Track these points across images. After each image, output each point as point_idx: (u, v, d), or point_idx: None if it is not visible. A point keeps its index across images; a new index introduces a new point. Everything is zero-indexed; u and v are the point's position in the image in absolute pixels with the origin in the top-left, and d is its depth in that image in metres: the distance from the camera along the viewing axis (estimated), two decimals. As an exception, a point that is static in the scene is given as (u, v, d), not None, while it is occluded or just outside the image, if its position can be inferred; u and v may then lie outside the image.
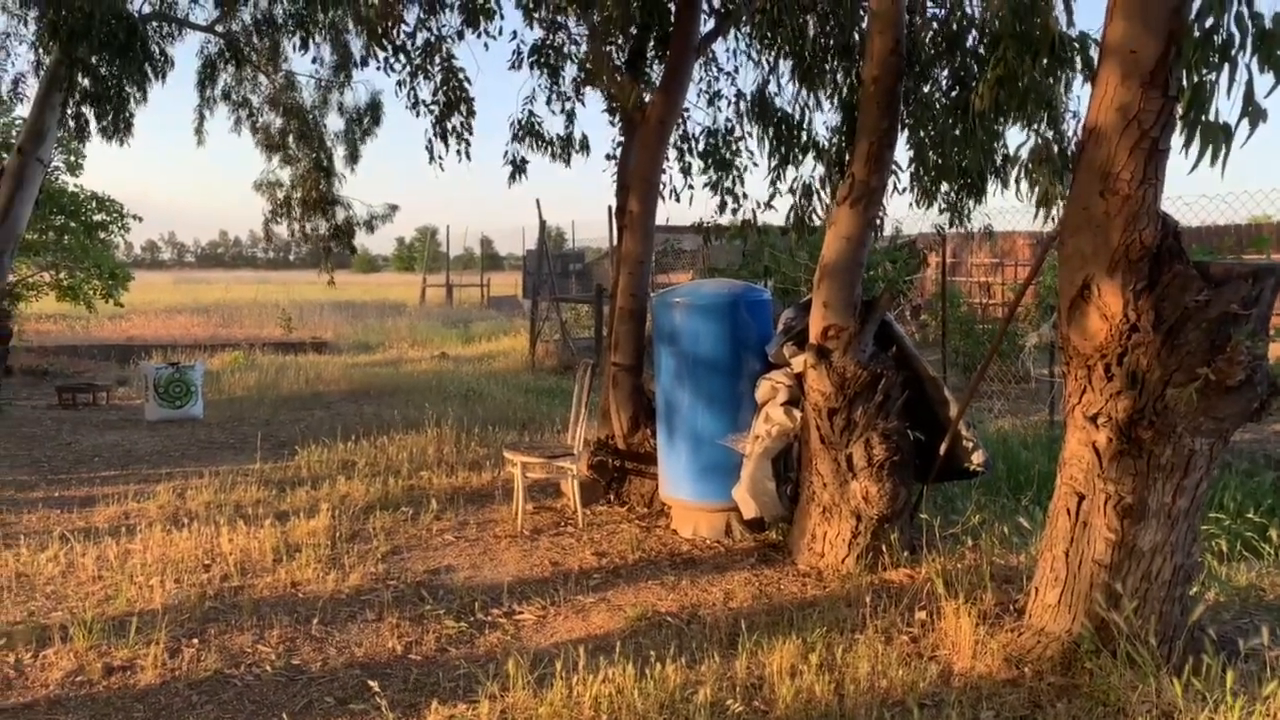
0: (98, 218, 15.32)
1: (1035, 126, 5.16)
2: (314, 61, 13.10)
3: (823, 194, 6.74)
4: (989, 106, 4.80)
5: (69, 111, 10.74)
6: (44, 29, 9.96)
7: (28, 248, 13.94)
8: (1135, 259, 3.52)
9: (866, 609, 4.43)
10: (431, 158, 8.02)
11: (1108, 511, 3.71)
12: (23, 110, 12.25)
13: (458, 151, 8.05)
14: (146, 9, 11.94)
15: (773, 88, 6.99)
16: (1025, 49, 4.50)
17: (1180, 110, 3.43)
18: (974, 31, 5.82)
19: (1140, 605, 3.68)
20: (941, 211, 6.41)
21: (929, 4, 6.23)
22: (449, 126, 7.94)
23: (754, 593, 4.84)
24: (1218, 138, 3.36)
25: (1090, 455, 3.75)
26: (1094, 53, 4.75)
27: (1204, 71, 3.34)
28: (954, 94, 5.87)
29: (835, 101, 6.76)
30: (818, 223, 7.00)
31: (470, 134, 8.01)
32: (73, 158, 15.13)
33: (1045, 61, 4.59)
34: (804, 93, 6.78)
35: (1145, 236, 3.51)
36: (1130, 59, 3.40)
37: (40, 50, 10.96)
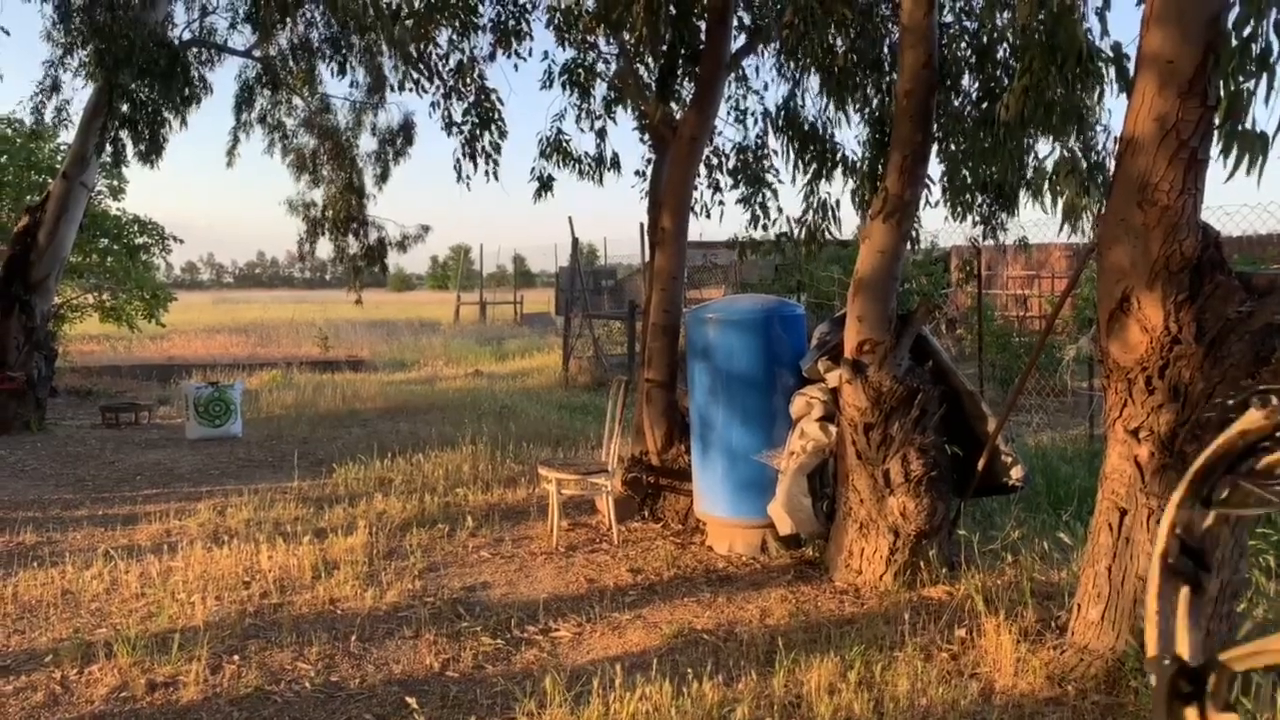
0: (139, 240, 15.62)
1: (1061, 139, 5.14)
2: (351, 85, 13.30)
3: (841, 209, 6.77)
4: (1015, 117, 4.77)
5: (109, 136, 10.99)
6: (89, 56, 10.22)
7: (72, 270, 14.24)
8: (1176, 270, 3.48)
9: (905, 626, 4.38)
10: (459, 177, 8.12)
11: (1151, 526, 3.65)
12: (67, 136, 12.56)
13: (486, 171, 8.15)
14: (187, 35, 12.21)
15: (801, 102, 7.01)
16: (1051, 59, 4.48)
17: (1217, 119, 3.40)
18: (1004, 44, 5.80)
19: (1186, 622, 3.61)
20: (975, 224, 6.38)
21: (962, 17, 6.23)
22: (478, 146, 8.03)
23: (791, 610, 4.81)
24: (1254, 146, 3.33)
25: (1132, 469, 3.70)
26: (1129, 64, 4.71)
27: (1241, 80, 3.31)
28: (984, 106, 5.86)
29: (865, 116, 6.76)
30: (830, 238, 7.02)
31: (499, 154, 8.10)
32: (115, 182, 15.45)
33: (1074, 72, 4.56)
34: (832, 107, 6.80)
35: (1186, 247, 3.46)
36: (1168, 69, 3.37)
37: (85, 77, 11.23)
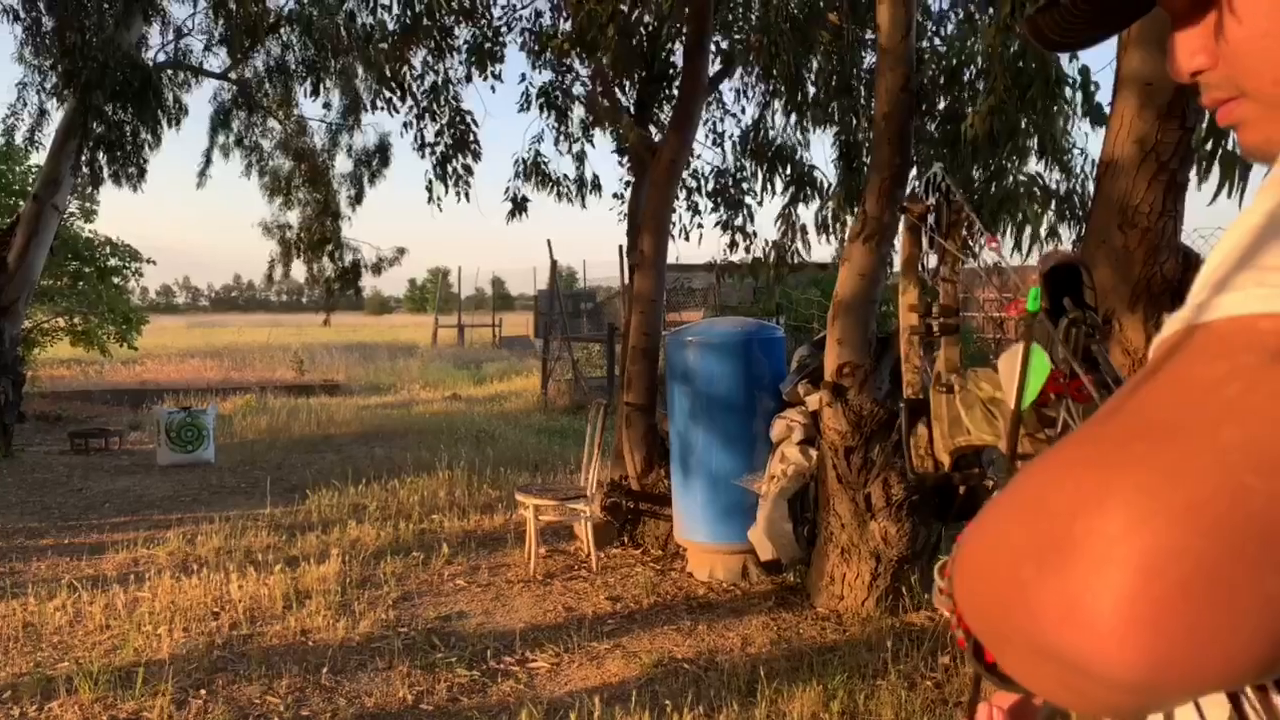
0: (112, 262, 15.42)
1: (1023, 161, 5.17)
2: (325, 107, 13.23)
3: (816, 232, 6.78)
4: (982, 136, 4.79)
5: (84, 159, 10.85)
6: (60, 78, 10.11)
7: (42, 294, 14.01)
8: (1157, 292, 3.46)
9: (888, 653, 4.32)
10: (431, 197, 8.08)
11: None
12: (38, 158, 12.40)
13: (458, 192, 8.11)
14: (161, 57, 12.12)
15: (771, 123, 7.03)
16: (1015, 81, 4.50)
17: (1196, 141, 3.40)
18: (970, 67, 5.83)
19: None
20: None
21: (934, 40, 6.26)
22: (450, 168, 8.00)
23: (772, 637, 4.73)
24: (1234, 169, 3.32)
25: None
26: (1094, 88, 4.74)
27: (1222, 102, 3.31)
28: (948, 128, 5.87)
29: (837, 139, 6.77)
30: (798, 260, 7.03)
31: (471, 175, 8.08)
32: (87, 204, 15.27)
33: (1041, 97, 4.58)
34: (798, 130, 6.82)
35: (1167, 269, 3.45)
36: (1147, 91, 3.37)
37: (56, 99, 11.11)
